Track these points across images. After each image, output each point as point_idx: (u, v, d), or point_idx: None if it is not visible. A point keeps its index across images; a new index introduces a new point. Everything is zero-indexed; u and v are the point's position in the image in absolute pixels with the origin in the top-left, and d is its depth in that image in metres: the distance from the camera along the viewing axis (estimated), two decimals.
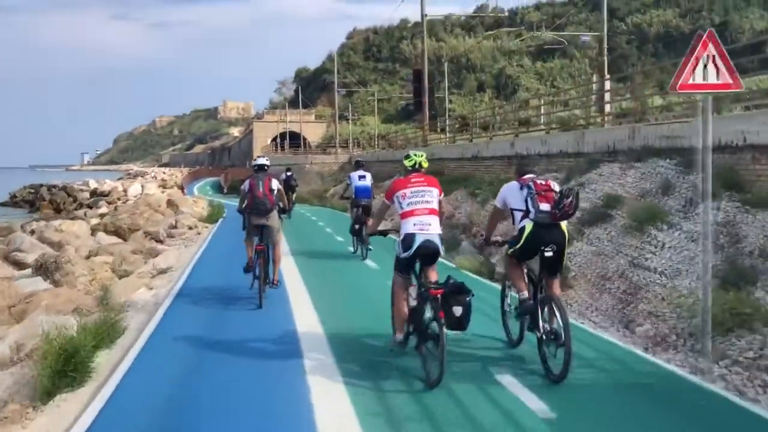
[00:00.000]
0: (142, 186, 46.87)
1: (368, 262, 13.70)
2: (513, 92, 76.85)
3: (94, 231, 21.37)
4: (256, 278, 9.83)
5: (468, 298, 6.01)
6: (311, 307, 9.64)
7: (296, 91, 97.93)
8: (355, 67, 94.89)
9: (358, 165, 15.52)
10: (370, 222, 10.72)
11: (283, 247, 12.72)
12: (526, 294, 6.54)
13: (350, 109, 74.29)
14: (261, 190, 9.72)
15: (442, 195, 6.91)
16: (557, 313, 6.01)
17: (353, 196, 14.50)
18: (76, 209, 43.75)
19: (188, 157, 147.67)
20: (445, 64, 57.50)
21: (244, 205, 9.96)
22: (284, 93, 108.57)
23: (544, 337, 6.18)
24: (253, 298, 9.80)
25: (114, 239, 19.03)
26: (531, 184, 6.43)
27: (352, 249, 14.98)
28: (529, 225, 6.35)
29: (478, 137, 23.67)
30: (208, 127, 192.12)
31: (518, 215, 6.54)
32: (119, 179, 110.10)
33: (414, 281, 6.69)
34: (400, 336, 6.69)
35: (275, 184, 10.04)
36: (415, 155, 6.99)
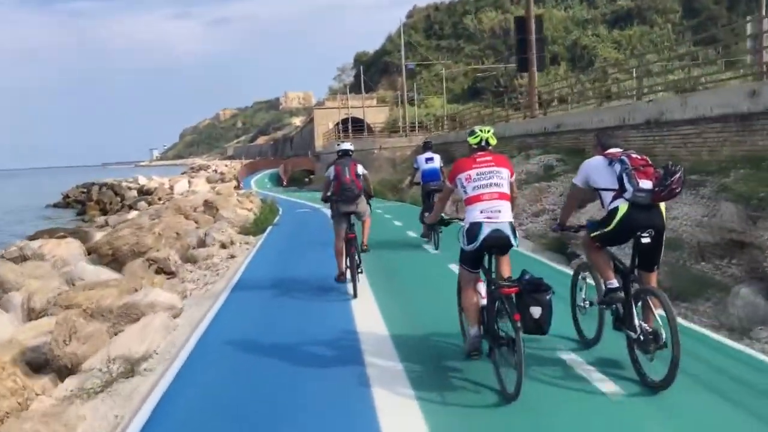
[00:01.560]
0: (189, 182, 39.16)
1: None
2: (590, 64, 68.20)
3: (91, 252, 14.53)
4: (347, 268, 9.09)
5: (548, 297, 5.06)
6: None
7: (356, 76, 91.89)
8: (417, 47, 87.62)
9: (425, 147, 14.12)
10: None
11: None
12: (615, 282, 5.41)
13: (414, 89, 66.83)
14: (348, 175, 9.10)
15: (514, 177, 5.80)
16: (657, 310, 5.06)
17: (421, 181, 13.47)
18: (119, 210, 37.55)
19: (252, 148, 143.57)
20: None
21: (329, 193, 9.29)
22: (344, 80, 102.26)
23: (641, 337, 5.12)
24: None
25: (105, 271, 11.97)
26: (625, 158, 5.34)
27: (424, 239, 13.61)
28: (623, 206, 5.25)
29: (652, 92, 15.55)
30: (270, 118, 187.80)
31: (607, 195, 5.43)
32: (183, 173, 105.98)
33: (482, 276, 5.65)
34: (475, 329, 5.56)
35: (361, 169, 9.39)
36: (481, 131, 5.87)
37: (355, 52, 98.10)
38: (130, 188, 46.54)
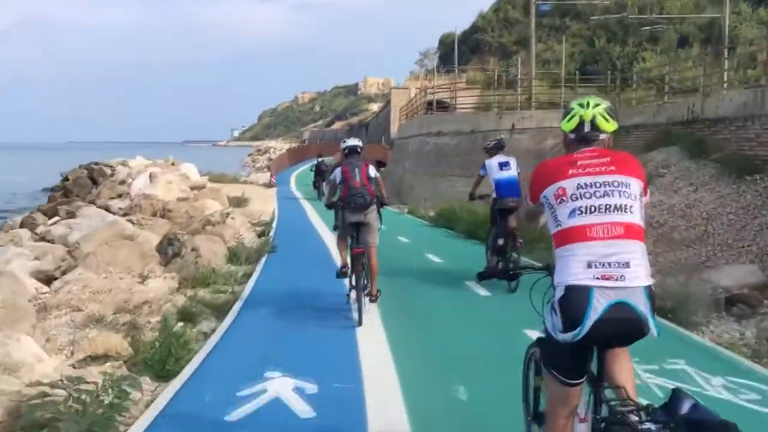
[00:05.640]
0: (151, 176, 23.58)
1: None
2: (729, 46, 52.76)
3: None
4: (353, 288, 7.34)
5: None
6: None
7: (441, 57, 78.43)
8: (514, 24, 73.53)
9: (496, 147, 9.12)
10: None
11: None
12: None
13: (518, 69, 52.82)
14: (358, 179, 7.40)
15: (648, 195, 2.80)
16: None
17: (494, 195, 9.01)
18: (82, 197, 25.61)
19: (327, 133, 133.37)
20: None
21: (336, 198, 7.70)
22: (426, 65, 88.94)
23: None
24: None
25: None
26: None
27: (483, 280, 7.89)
28: None
29: None
30: (348, 104, 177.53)
31: None
32: (249, 155, 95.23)
33: (586, 388, 2.69)
34: None
35: (373, 171, 7.64)
36: (581, 105, 2.79)
37: (439, 36, 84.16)
38: (107, 174, 31.02)
